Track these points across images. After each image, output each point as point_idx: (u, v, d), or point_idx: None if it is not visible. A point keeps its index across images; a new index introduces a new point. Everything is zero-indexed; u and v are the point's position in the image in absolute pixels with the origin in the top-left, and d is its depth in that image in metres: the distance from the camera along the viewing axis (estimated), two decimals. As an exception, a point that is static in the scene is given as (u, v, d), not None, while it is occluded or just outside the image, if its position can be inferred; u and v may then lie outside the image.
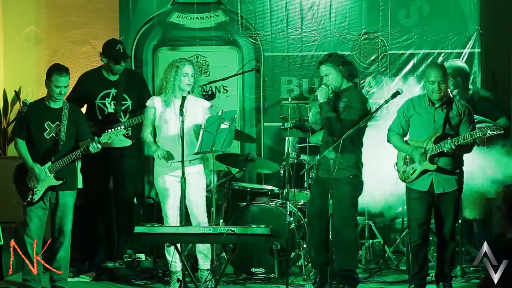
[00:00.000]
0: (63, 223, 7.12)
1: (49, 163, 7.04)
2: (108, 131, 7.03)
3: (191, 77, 7.19)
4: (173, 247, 6.71)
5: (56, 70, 7.07)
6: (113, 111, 7.87)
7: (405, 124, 7.02)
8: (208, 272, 7.24)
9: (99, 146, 6.99)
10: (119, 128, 7.06)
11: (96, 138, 7.01)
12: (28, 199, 7.06)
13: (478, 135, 6.65)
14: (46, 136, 7.09)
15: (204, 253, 7.27)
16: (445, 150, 6.73)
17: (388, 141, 7.11)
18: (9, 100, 9.11)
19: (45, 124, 7.09)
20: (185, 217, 6.99)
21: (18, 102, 8.48)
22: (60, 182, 7.06)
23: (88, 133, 7.22)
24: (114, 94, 7.88)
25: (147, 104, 7.27)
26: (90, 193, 7.94)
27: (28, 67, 9.15)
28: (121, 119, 7.85)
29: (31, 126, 7.10)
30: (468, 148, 6.85)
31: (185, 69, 7.17)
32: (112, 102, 7.87)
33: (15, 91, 8.76)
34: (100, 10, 9.20)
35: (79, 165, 7.88)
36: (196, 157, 7.16)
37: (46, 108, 7.12)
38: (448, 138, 6.74)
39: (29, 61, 9.13)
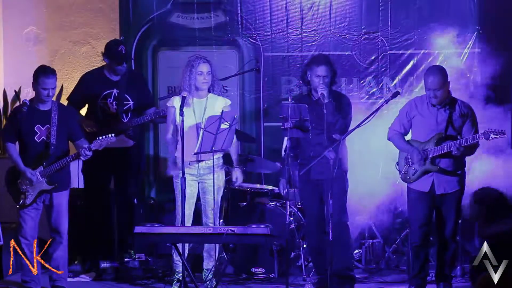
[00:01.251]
0: (58, 224, 7.12)
1: (41, 168, 7.02)
2: (98, 138, 7.00)
3: (207, 75, 7.15)
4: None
5: (42, 72, 7.04)
6: (115, 112, 7.87)
7: (407, 123, 7.03)
8: (209, 272, 7.25)
9: (89, 153, 6.96)
10: (109, 135, 7.03)
11: (87, 145, 6.98)
12: (21, 202, 7.05)
13: (481, 139, 6.64)
14: (36, 140, 7.06)
15: (209, 253, 7.26)
16: (452, 153, 6.72)
17: (389, 139, 7.12)
18: (9, 100, 9.10)
19: (35, 128, 7.06)
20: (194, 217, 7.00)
21: (18, 102, 8.49)
22: (52, 186, 7.04)
23: (80, 132, 7.20)
24: (116, 94, 7.88)
25: (167, 104, 7.26)
26: (91, 193, 7.95)
27: (28, 67, 9.09)
28: (123, 120, 7.85)
29: (22, 130, 7.08)
30: (470, 150, 6.84)
31: (200, 68, 7.14)
32: (114, 103, 7.87)
33: (15, 91, 8.77)
34: (100, 10, 9.19)
35: (80, 165, 7.90)
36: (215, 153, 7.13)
37: (35, 111, 7.08)
38: (448, 140, 6.76)
39: (29, 61, 9.11)
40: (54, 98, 7.20)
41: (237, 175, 7.40)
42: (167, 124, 7.30)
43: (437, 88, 6.82)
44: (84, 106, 8.02)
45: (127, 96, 7.90)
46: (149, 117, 7.81)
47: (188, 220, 7.14)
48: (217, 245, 7.24)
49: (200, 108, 7.12)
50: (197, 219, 7.36)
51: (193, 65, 7.13)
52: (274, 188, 8.08)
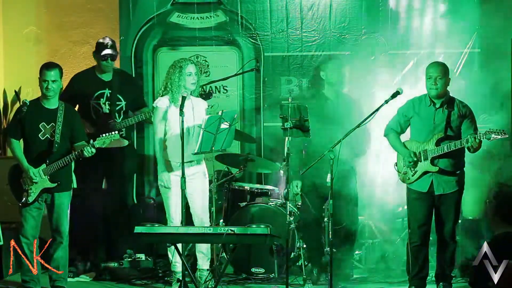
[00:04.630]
0: (59, 224, 7.12)
1: (44, 165, 7.03)
2: (102, 136, 7.00)
3: (194, 76, 7.22)
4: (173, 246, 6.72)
5: (45, 65, 7.12)
6: (108, 112, 7.87)
7: (404, 123, 7.05)
8: (208, 272, 7.25)
9: (93, 150, 6.97)
10: (113, 132, 7.04)
11: (91, 142, 6.99)
12: (23, 200, 7.05)
13: (482, 139, 6.63)
14: (40, 137, 7.07)
15: (204, 253, 7.27)
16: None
17: (385, 136, 7.13)
18: (9, 100, 9.11)
19: (40, 125, 7.07)
20: (186, 217, 7.00)
21: (18, 102, 8.49)
22: (55, 184, 7.05)
23: (83, 135, 7.21)
24: (108, 94, 7.89)
25: (154, 105, 7.29)
26: (84, 193, 7.94)
27: (28, 67, 9.14)
28: (116, 120, 7.86)
29: (26, 127, 7.09)
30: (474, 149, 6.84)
31: (189, 69, 7.21)
32: (106, 103, 7.88)
33: (15, 91, 8.77)
34: (100, 10, 9.20)
35: (72, 165, 7.89)
36: (200, 156, 7.17)
37: (42, 108, 7.10)
38: (448, 140, 6.77)
39: (29, 61, 9.13)
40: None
41: None
42: (155, 124, 7.28)
43: (439, 76, 6.81)
44: (75, 106, 8.01)
45: (120, 96, 7.92)
46: (143, 116, 7.81)
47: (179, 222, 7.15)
48: (212, 245, 7.26)
49: (188, 108, 7.12)
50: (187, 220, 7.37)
51: (182, 66, 7.19)
52: (274, 188, 8.09)
